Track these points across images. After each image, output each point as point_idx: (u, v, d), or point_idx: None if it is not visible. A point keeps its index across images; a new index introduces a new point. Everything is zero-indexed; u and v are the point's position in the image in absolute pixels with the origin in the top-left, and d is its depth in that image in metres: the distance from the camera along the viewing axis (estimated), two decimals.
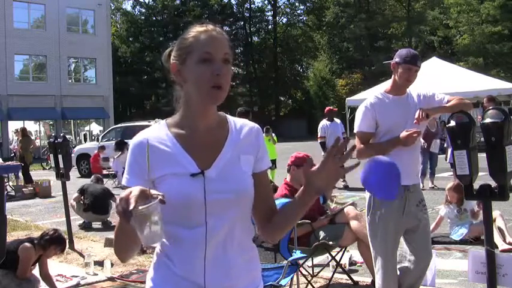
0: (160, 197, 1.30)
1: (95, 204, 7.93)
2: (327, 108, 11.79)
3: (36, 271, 4.65)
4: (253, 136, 1.60)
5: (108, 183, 12.10)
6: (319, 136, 11.21)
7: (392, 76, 3.29)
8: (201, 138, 1.53)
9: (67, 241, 5.26)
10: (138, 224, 1.28)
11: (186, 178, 1.47)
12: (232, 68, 1.55)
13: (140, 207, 1.27)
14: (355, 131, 3.32)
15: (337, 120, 11.53)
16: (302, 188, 1.49)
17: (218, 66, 1.46)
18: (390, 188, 2.82)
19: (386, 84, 3.40)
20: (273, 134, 11.64)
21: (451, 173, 10.67)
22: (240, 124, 1.61)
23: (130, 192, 1.28)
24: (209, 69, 1.46)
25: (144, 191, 1.31)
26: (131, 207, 1.26)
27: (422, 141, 8.16)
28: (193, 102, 1.52)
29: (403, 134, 3.11)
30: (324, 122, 11.28)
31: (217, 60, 1.47)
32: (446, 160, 10.46)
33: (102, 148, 15.33)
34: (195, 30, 1.52)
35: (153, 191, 1.33)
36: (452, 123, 2.96)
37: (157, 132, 1.54)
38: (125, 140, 13.77)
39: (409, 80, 3.21)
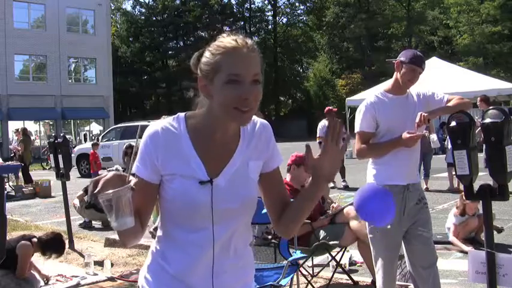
0: (131, 185, 1.31)
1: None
2: (327, 108, 11.78)
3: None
4: (262, 136, 1.57)
5: None
6: (317, 136, 11.27)
7: (394, 75, 3.26)
8: (215, 144, 1.50)
9: (67, 241, 5.27)
10: (107, 208, 1.29)
11: (195, 184, 1.45)
12: None
13: (107, 192, 1.27)
14: (355, 131, 3.31)
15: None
16: (310, 180, 1.48)
17: (247, 90, 1.38)
18: (386, 214, 2.85)
19: (387, 84, 3.38)
20: None
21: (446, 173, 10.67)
22: (251, 126, 1.56)
23: (103, 176, 1.30)
24: (237, 92, 1.37)
25: (120, 176, 1.31)
26: (96, 190, 1.27)
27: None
28: (216, 116, 1.46)
29: (405, 135, 3.10)
30: (324, 122, 11.29)
31: (246, 82, 1.38)
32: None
33: (95, 145, 15.18)
34: (224, 45, 1.42)
35: (131, 178, 1.34)
36: (453, 123, 2.96)
37: (174, 127, 1.50)
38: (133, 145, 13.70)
39: (411, 81, 3.19)
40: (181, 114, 1.53)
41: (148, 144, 1.48)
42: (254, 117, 1.56)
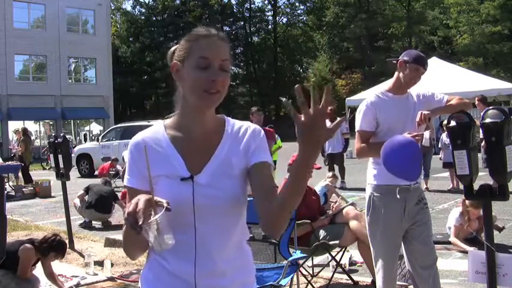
0: (165, 205, 1.32)
1: (98, 203, 7.94)
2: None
3: (36, 271, 4.65)
4: (249, 134, 1.57)
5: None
6: None
7: (396, 74, 3.25)
8: (195, 141, 1.54)
9: (67, 241, 5.26)
10: (148, 234, 1.30)
11: (176, 181, 1.48)
12: (233, 68, 1.54)
13: (149, 221, 1.29)
14: (355, 130, 3.30)
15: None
16: (300, 146, 1.37)
17: (214, 72, 1.46)
18: (412, 168, 2.83)
19: (388, 83, 3.38)
20: (277, 136, 9.79)
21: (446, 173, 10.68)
22: (238, 127, 1.59)
23: (136, 205, 1.30)
24: (205, 74, 1.46)
25: (149, 200, 1.32)
26: (140, 222, 1.27)
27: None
28: (189, 105, 1.53)
29: (406, 135, 3.10)
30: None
31: (214, 66, 1.47)
32: (440, 160, 10.46)
33: (115, 160, 14.20)
34: (197, 33, 1.52)
35: (156, 198, 1.35)
36: (453, 123, 2.96)
37: (154, 133, 1.57)
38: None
39: (413, 81, 3.19)
40: (161, 120, 1.62)
41: (133, 153, 1.54)
42: (244, 122, 1.61)
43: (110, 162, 13.88)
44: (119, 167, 14.41)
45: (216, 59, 1.48)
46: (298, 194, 1.41)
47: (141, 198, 1.31)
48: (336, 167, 11.13)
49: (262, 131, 1.62)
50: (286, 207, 1.42)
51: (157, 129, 1.58)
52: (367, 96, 3.34)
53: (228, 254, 1.52)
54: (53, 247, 4.50)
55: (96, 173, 15.10)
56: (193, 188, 1.48)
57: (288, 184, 1.39)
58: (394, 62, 3.28)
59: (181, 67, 1.52)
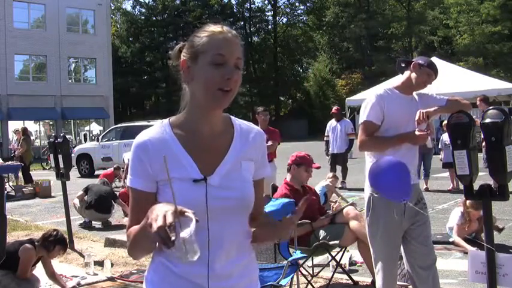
0: (194, 217, 1.26)
1: (98, 203, 7.94)
2: (334, 108, 11.80)
3: (36, 271, 4.65)
4: (258, 143, 1.59)
5: None
6: (325, 135, 11.54)
7: (408, 74, 3.27)
8: (204, 142, 1.51)
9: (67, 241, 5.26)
10: (177, 246, 1.24)
11: (189, 183, 1.45)
12: None
13: (182, 236, 1.22)
14: (360, 121, 3.27)
15: (346, 120, 11.58)
16: (278, 226, 1.57)
17: (230, 70, 1.44)
18: (403, 189, 2.83)
19: (396, 81, 3.38)
20: None
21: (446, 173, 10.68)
22: (246, 129, 1.59)
23: (164, 219, 1.22)
24: (220, 72, 1.44)
25: (175, 212, 1.25)
26: (173, 238, 1.21)
27: None
28: (198, 104, 1.50)
29: (418, 132, 3.11)
30: (331, 122, 11.37)
31: (230, 64, 1.45)
32: (441, 160, 10.46)
33: (117, 169, 14.12)
34: (211, 29, 1.49)
35: (182, 208, 1.27)
36: (453, 123, 2.97)
37: (160, 133, 1.51)
38: None
39: (424, 84, 3.24)
40: (166, 119, 1.56)
41: (138, 154, 1.49)
42: (249, 124, 1.62)
43: (112, 170, 13.76)
44: (119, 166, 14.36)
45: (231, 56, 1.46)
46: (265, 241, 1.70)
47: (169, 211, 1.24)
48: (339, 168, 11.13)
49: (265, 138, 1.65)
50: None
51: (162, 129, 1.52)
52: (368, 95, 3.34)
53: (236, 253, 1.52)
54: (57, 240, 4.52)
55: (97, 173, 15.10)
56: (206, 189, 1.46)
57: (265, 234, 1.63)
58: (403, 65, 3.31)
59: (192, 64, 1.48)
